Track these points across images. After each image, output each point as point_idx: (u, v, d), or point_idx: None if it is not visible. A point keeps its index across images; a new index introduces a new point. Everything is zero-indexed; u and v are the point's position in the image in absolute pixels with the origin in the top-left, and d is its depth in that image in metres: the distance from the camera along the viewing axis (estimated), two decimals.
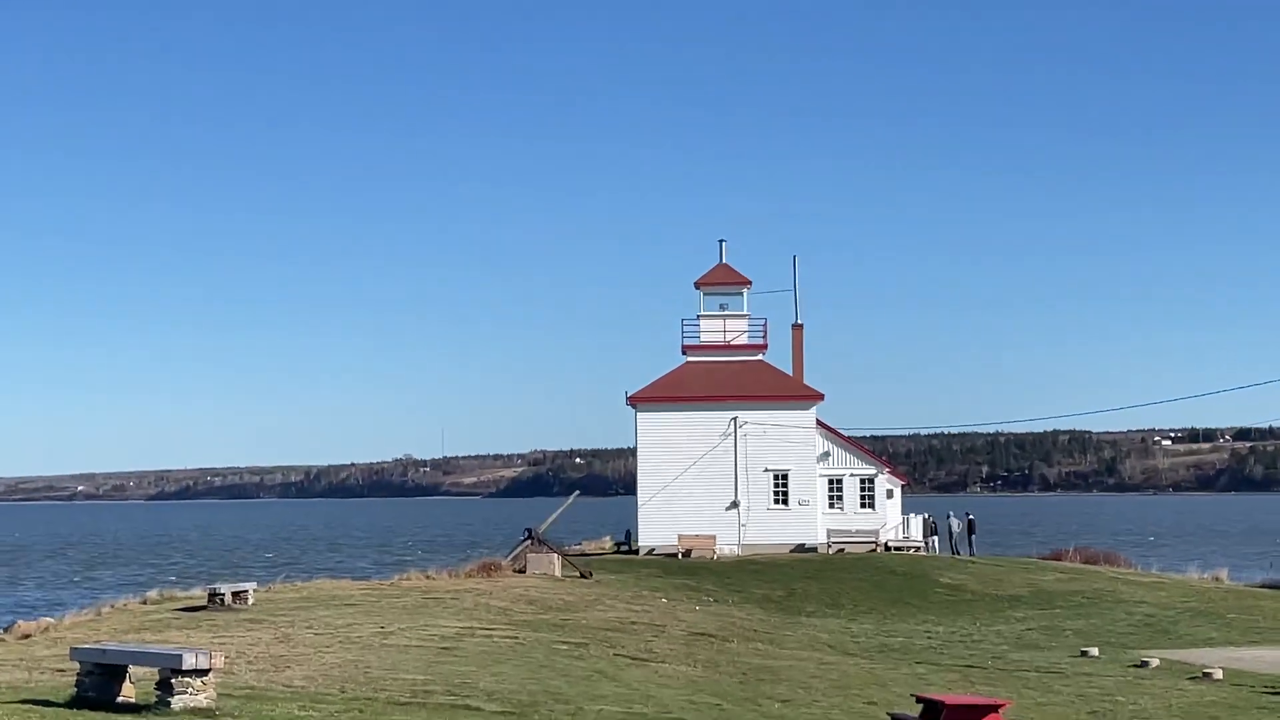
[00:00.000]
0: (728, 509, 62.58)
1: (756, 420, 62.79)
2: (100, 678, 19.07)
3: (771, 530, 62.27)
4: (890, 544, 63.54)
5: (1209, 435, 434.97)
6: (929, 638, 39.90)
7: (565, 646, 29.96)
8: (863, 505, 64.21)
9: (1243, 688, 30.25)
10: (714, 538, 60.99)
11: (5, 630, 32.87)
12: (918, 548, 64.29)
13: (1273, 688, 30.08)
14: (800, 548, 62.07)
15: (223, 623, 30.79)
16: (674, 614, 40.02)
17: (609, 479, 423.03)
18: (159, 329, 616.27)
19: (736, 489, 62.64)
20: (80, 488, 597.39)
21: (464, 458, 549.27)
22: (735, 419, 62.90)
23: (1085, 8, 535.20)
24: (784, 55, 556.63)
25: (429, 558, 78.90)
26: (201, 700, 18.17)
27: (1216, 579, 58.33)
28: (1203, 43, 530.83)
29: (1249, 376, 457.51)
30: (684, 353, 65.89)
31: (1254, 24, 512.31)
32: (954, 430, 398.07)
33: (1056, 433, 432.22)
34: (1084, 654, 35.82)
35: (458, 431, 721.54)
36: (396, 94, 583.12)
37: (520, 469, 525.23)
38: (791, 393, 64.04)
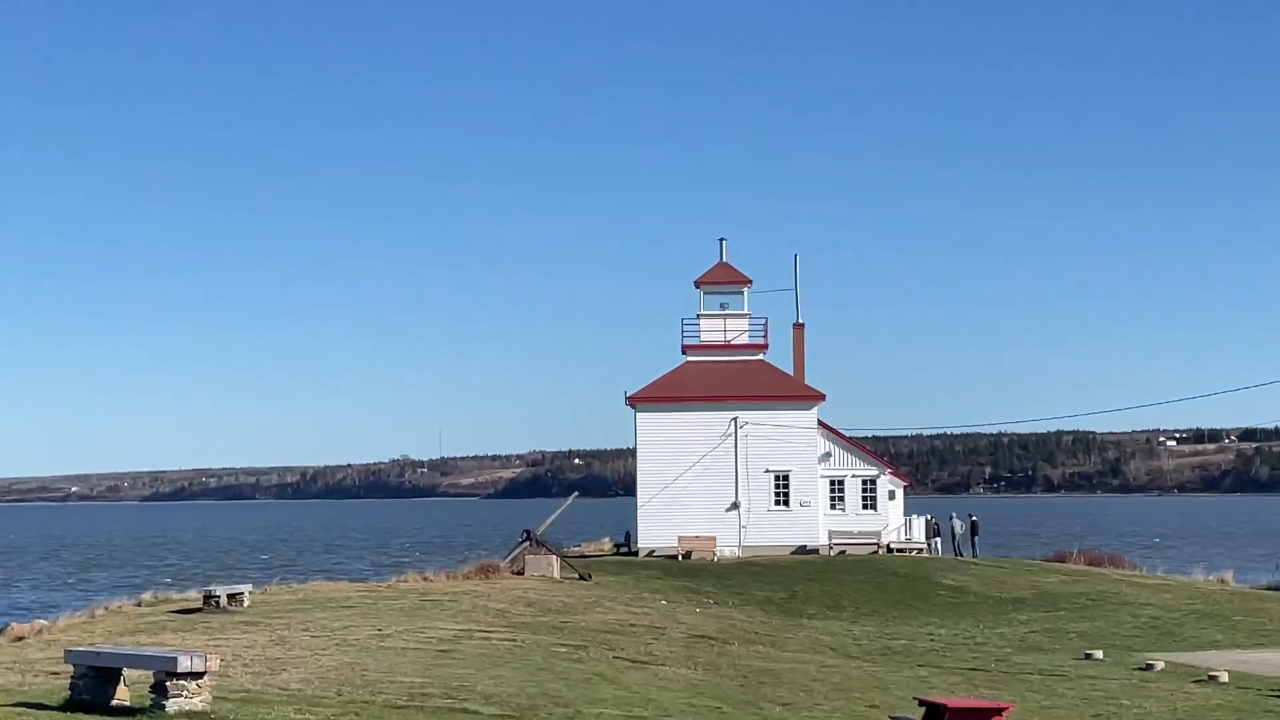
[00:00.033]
0: (728, 510, 62.57)
1: (757, 420, 62.78)
2: (94, 681, 19.06)
3: (772, 532, 62.26)
4: (892, 546, 63.54)
5: (1214, 436, 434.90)
6: (931, 640, 39.89)
7: (564, 649, 29.95)
8: (865, 506, 64.20)
9: (1248, 691, 30.25)
10: (714, 539, 60.98)
11: None
12: (920, 549, 64.29)
13: (1278, 691, 30.07)
14: (801, 549, 62.06)
15: (218, 625, 30.77)
16: (674, 616, 40.00)
17: (608, 480, 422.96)
18: (154, 329, 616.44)
19: (737, 490, 62.63)
20: (74, 489, 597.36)
21: (462, 458, 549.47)
22: (736, 419, 62.89)
23: (1086, 8, 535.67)
24: (784, 54, 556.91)
25: (426, 559, 78.89)
26: (197, 703, 18.15)
27: (1222, 581, 58.32)
28: (1203, 42, 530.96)
29: (1255, 376, 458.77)
30: (684, 352, 65.88)
31: (1254, 24, 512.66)
32: (957, 431, 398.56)
33: (1060, 433, 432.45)
34: (1088, 657, 35.81)
35: (455, 432, 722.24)
36: (396, 94, 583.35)
37: (518, 470, 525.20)
38: (792, 393, 64.03)
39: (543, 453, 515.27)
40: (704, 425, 62.96)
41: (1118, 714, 26.94)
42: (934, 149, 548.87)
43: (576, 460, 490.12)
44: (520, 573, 48.00)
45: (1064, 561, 65.08)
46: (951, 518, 68.36)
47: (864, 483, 64.41)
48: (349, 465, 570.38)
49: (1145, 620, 45.41)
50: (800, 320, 67.19)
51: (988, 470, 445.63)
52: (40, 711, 18.44)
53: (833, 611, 46.90)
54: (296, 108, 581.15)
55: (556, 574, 48.12)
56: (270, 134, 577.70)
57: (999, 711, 22.45)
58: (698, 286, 66.49)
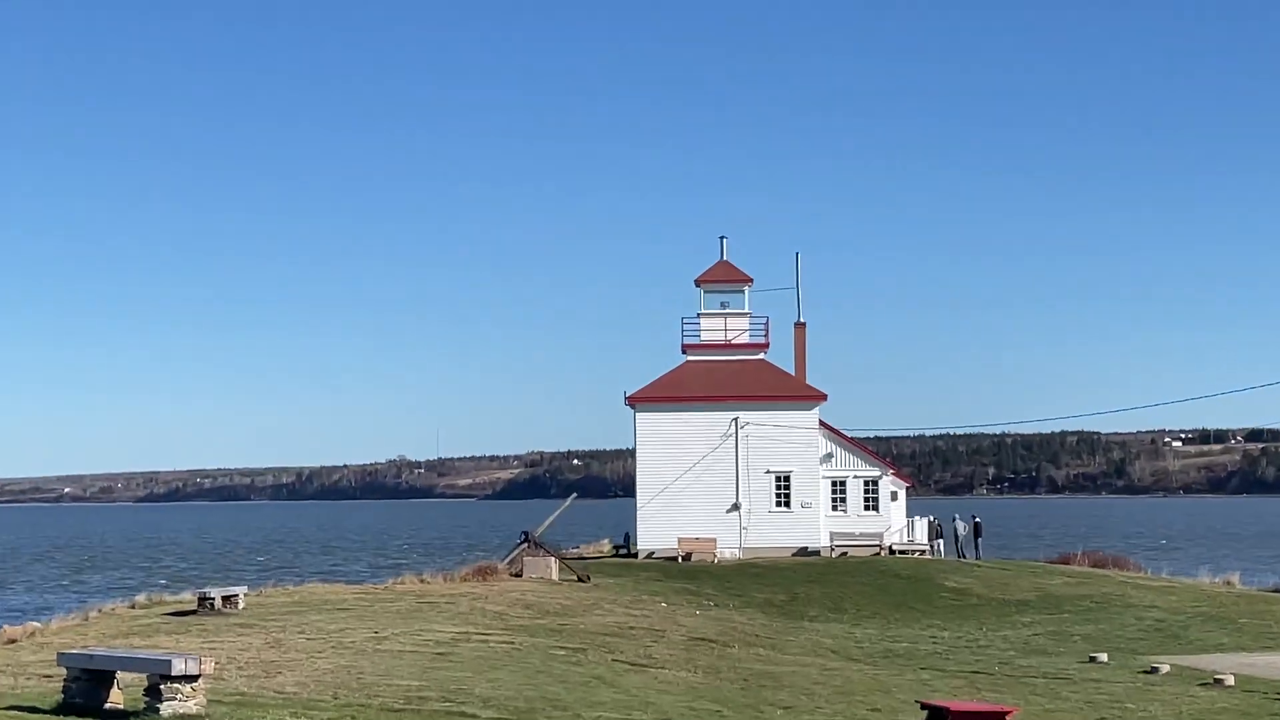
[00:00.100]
0: (728, 511, 62.57)
1: (758, 421, 62.77)
2: (88, 684, 19.07)
3: (773, 533, 62.26)
4: (895, 547, 63.55)
5: (1220, 436, 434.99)
6: (934, 643, 39.89)
7: (563, 652, 29.96)
8: (866, 508, 64.19)
9: (1255, 694, 30.26)
10: (714, 541, 60.99)
11: None
12: (923, 551, 64.30)
13: None
14: (803, 551, 62.06)
15: (213, 627, 30.77)
16: (674, 619, 40.01)
17: (607, 481, 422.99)
18: (148, 328, 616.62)
19: (738, 491, 62.63)
20: (67, 489, 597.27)
21: (459, 459, 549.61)
22: (736, 419, 62.89)
23: (1087, 7, 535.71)
24: (784, 52, 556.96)
25: (423, 561, 78.89)
26: (191, 707, 18.17)
27: (1228, 583, 58.31)
28: (1203, 42, 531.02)
29: (1261, 376, 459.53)
30: (684, 352, 65.88)
31: (1255, 23, 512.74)
32: (960, 431, 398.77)
33: (1064, 434, 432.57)
34: (1093, 660, 35.82)
35: (453, 432, 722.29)
36: (393, 93, 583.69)
37: (517, 470, 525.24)
38: (794, 393, 64.03)
39: (541, 453, 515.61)
40: (704, 425, 62.95)
41: (1122, 718, 26.95)
42: (936, 147, 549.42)
43: (575, 461, 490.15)
44: (518, 575, 47.99)
45: (1068, 563, 65.06)
46: (954, 519, 68.34)
47: (866, 484, 64.41)
48: (345, 466, 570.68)
49: (1150, 623, 45.42)
50: (801, 319, 67.29)
51: (991, 471, 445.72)
52: (33, 715, 18.45)
53: (834, 614, 46.90)
54: (293, 107, 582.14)
55: (555, 576, 48.12)
56: (267, 133, 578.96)
57: (1003, 715, 22.48)
58: (698, 285, 66.49)
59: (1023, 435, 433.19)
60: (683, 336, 66.02)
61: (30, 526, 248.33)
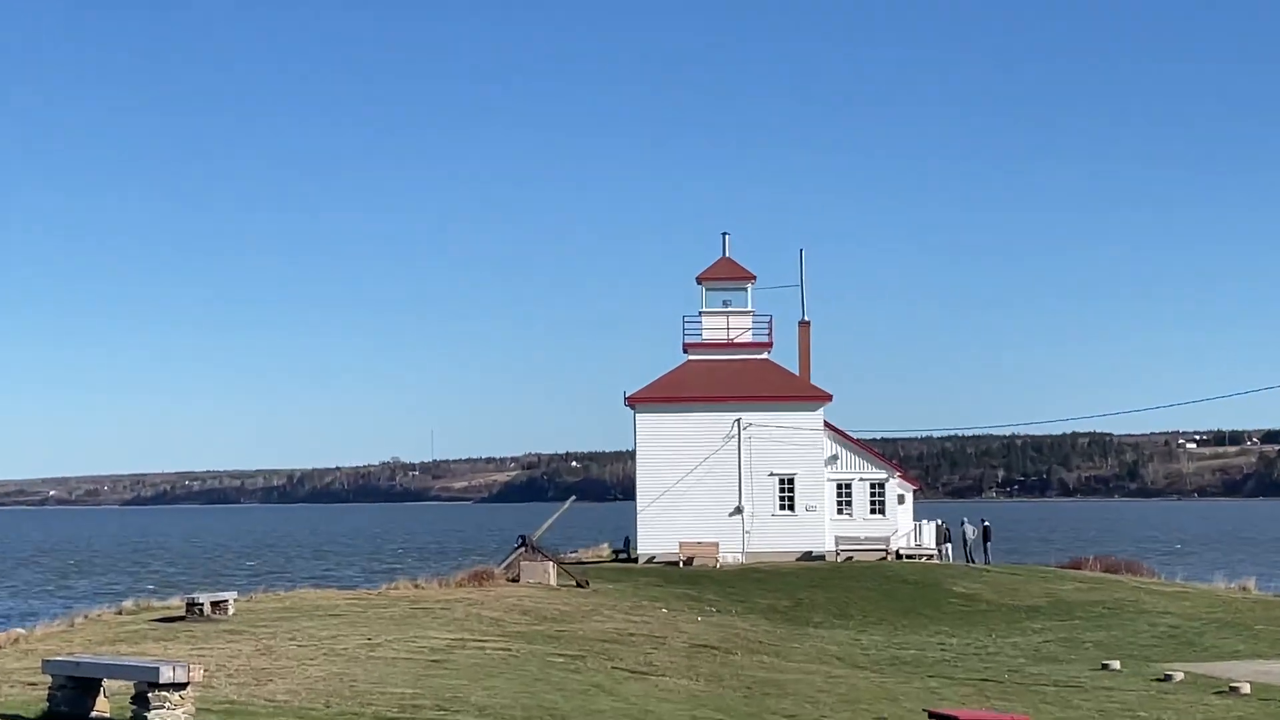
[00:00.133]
0: (731, 515, 62.57)
1: (761, 422, 62.78)
2: (73, 691, 19.07)
3: (777, 537, 62.26)
4: (901, 552, 63.56)
5: (1236, 438, 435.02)
6: (942, 650, 39.90)
7: (561, 659, 29.96)
8: (873, 511, 64.20)
9: (1271, 702, 30.26)
10: (716, 545, 61.01)
11: None
12: (930, 556, 64.31)
13: None
14: (807, 556, 62.07)
15: (202, 634, 30.77)
16: (675, 625, 40.02)
17: (607, 483, 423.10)
18: (136, 327, 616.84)
19: (740, 494, 62.64)
20: (52, 492, 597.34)
21: (454, 461, 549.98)
22: (739, 420, 62.89)
23: (1099, 3, 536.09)
24: (788, 40, 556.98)
25: (418, 566, 78.94)
26: (179, 715, 18.17)
27: (1244, 588, 58.34)
28: (1229, 31, 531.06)
29: (1278, 376, 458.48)
30: (685, 351, 65.88)
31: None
32: (968, 432, 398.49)
33: (1076, 435, 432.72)
34: (1105, 667, 35.82)
35: (448, 434, 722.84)
36: (389, 88, 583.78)
37: (513, 473, 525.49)
38: (798, 393, 64.03)
39: (539, 455, 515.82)
40: (706, 427, 62.94)
41: None
42: (943, 141, 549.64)
43: (574, 463, 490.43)
44: (515, 580, 48.01)
45: (1079, 568, 65.09)
46: (963, 523, 68.35)
47: (872, 486, 64.41)
48: (338, 468, 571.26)
49: (1164, 629, 45.43)
50: (806, 317, 67.25)
51: (1000, 473, 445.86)
52: None
53: (839, 620, 46.91)
54: (289, 104, 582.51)
55: (553, 581, 48.13)
56: (262, 131, 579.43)
57: None
58: (699, 282, 66.49)
59: (1033, 437, 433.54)
60: (684, 335, 66.08)
61: (14, 530, 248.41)
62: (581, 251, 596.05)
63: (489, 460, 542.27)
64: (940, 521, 68.25)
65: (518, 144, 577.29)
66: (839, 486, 64.10)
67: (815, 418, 63.44)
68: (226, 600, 35.09)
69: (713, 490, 62.53)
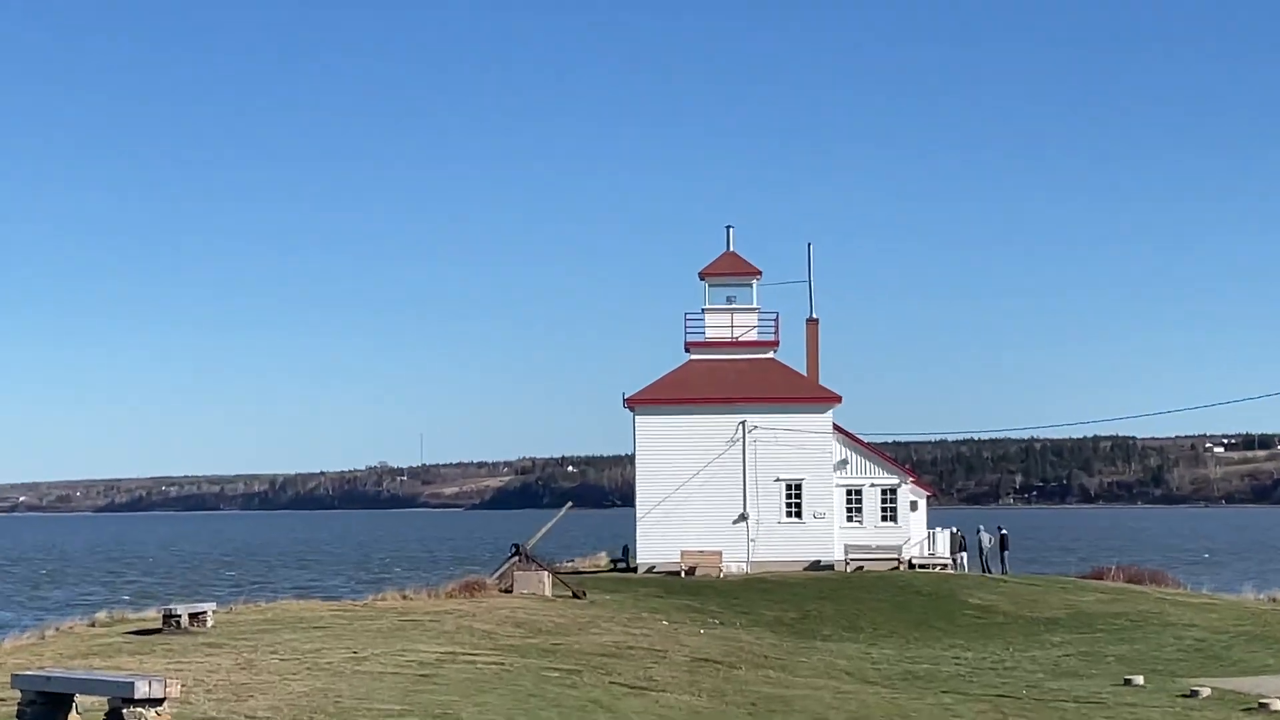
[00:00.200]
0: (735, 522, 62.60)
1: (767, 424, 62.80)
2: (44, 707, 19.08)
3: (783, 546, 62.28)
4: (914, 561, 63.57)
5: (1265, 442, 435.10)
6: (957, 664, 39.92)
7: (556, 674, 29.97)
8: (884, 518, 64.23)
9: None
10: (720, 554, 61.00)
11: None
12: (944, 565, 64.32)
13: None
14: (815, 565, 62.09)
15: (179, 647, 30.78)
16: (676, 638, 40.03)
17: (604, 489, 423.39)
18: (110, 327, 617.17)
19: (745, 500, 62.66)
20: (22, 498, 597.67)
21: (445, 466, 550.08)
22: (744, 423, 62.91)
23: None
24: (794, 29, 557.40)
25: (406, 576, 78.94)
26: None
27: (1274, 600, 58.35)
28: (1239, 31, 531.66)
29: None
30: (687, 350, 65.90)
31: None
32: (984, 436, 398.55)
33: (1098, 439, 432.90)
34: (1128, 682, 35.82)
35: (438, 437, 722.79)
36: (382, 78, 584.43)
37: (507, 478, 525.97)
38: (806, 394, 64.05)
39: (533, 460, 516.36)
40: (709, 429, 62.95)
41: None
42: (958, 133, 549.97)
43: (570, 468, 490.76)
44: (508, 590, 48.03)
45: (1101, 578, 65.10)
46: (979, 530, 68.34)
47: (883, 492, 64.43)
48: (322, 473, 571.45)
49: (1190, 642, 45.43)
50: (814, 315, 67.33)
51: (1018, 479, 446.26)
52: None
53: (849, 633, 46.92)
54: (273, 97, 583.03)
55: (548, 592, 48.15)
56: (251, 127, 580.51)
57: None
58: (702, 278, 66.51)
59: (1052, 440, 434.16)
60: (686, 334, 66.08)
61: None
62: (579, 246, 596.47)
63: (481, 465, 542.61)
64: (955, 529, 68.26)
65: (510, 137, 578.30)
66: (849, 492, 64.11)
67: (824, 420, 63.45)
68: (205, 612, 35.09)
69: (716, 496, 62.54)
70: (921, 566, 63.22)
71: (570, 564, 67.43)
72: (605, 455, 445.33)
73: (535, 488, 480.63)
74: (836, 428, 64.04)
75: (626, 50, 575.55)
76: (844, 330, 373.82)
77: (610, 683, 29.74)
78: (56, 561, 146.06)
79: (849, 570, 61.62)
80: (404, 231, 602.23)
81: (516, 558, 50.45)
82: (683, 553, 60.84)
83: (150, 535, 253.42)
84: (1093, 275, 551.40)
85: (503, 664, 30.54)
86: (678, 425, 63.22)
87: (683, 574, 59.67)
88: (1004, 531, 69.44)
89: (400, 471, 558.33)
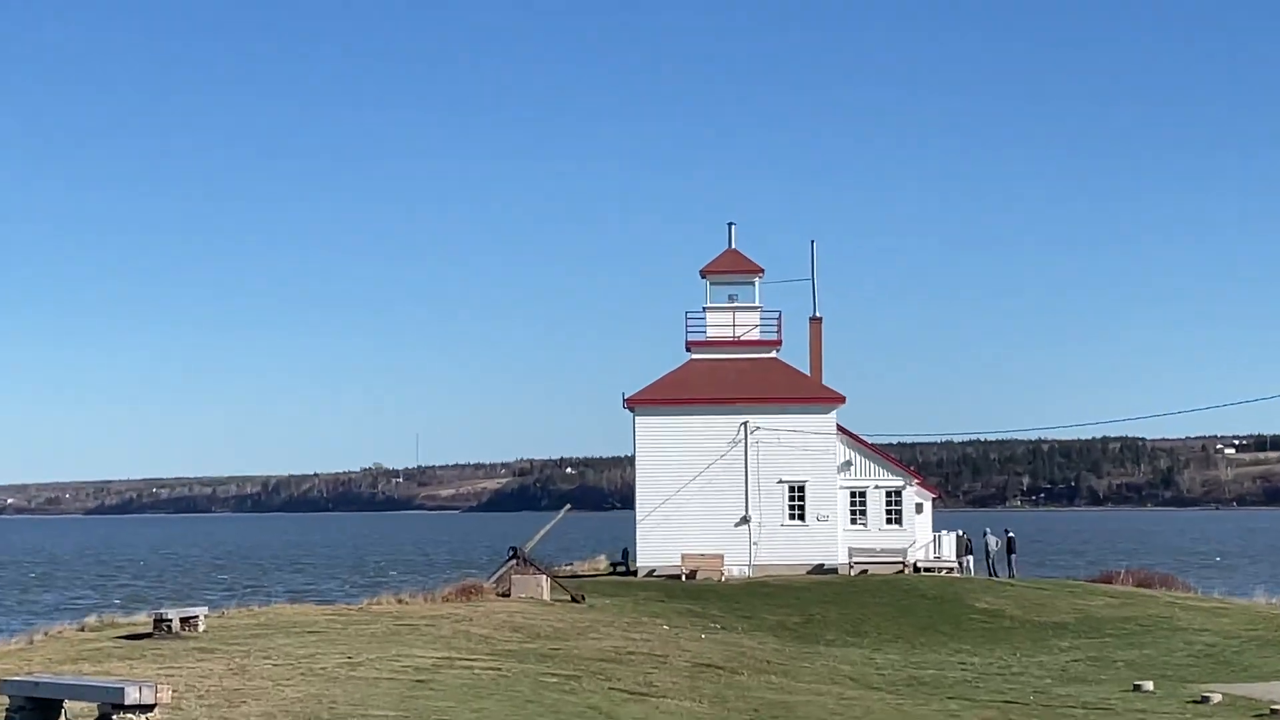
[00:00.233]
0: (737, 525, 62.59)
1: (769, 425, 62.78)
2: (32, 713, 19.07)
3: (786, 549, 62.28)
4: (920, 565, 63.55)
5: (1278, 443, 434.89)
6: (963, 670, 39.93)
7: (554, 679, 29.97)
8: (889, 521, 64.22)
9: None
10: (721, 557, 61.00)
11: None
12: (950, 569, 64.32)
13: None
14: (818, 569, 62.08)
15: (170, 652, 30.78)
16: (677, 643, 40.04)
17: (604, 491, 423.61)
18: (99, 327, 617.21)
19: (747, 503, 62.65)
20: (10, 500, 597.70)
21: (441, 467, 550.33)
22: (746, 424, 62.90)
23: None
24: (799, 21, 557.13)
25: (402, 580, 78.89)
26: None
27: None
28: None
29: None
30: (688, 349, 65.89)
31: None
32: (991, 437, 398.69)
33: (1106, 440, 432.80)
34: (1137, 688, 35.82)
35: (434, 438, 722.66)
36: (375, 73, 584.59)
37: (504, 480, 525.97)
38: (809, 394, 64.04)
39: (531, 461, 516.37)
40: (710, 430, 62.94)
41: None
42: (964, 129, 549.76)
43: (568, 469, 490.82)
44: (506, 594, 48.03)
45: (1110, 582, 65.11)
46: (985, 533, 68.34)
47: (888, 495, 64.42)
48: (316, 475, 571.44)
49: (1201, 648, 45.44)
50: (818, 314, 67.27)
51: (1025, 481, 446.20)
52: None
53: (853, 638, 46.93)
54: (269, 96, 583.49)
55: (546, 596, 48.16)
56: (242, 125, 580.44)
57: None
58: (704, 276, 66.49)
59: (1061, 442, 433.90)
60: (687, 333, 66.05)
61: None
62: (577, 243, 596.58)
63: (478, 466, 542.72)
64: (961, 532, 68.27)
65: (506, 134, 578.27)
66: (853, 495, 64.10)
67: (827, 421, 63.44)
68: (197, 616, 35.11)
69: (717, 499, 62.53)
70: (927, 570, 63.21)
71: (569, 567, 67.45)
72: (605, 457, 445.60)
73: (533, 490, 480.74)
74: (840, 428, 64.03)
75: (625, 44, 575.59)
76: (848, 329, 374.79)
77: (609, 689, 29.74)
78: (46, 565, 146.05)
79: (853, 574, 61.60)
80: (398, 228, 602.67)
81: (514, 561, 50.46)
82: (683, 556, 60.84)
83: (141, 538, 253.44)
84: (1102, 273, 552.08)
85: (500, 669, 30.53)
86: (678, 426, 63.21)
87: (684, 577, 59.66)
88: (1011, 534, 69.46)
89: (395, 473, 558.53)
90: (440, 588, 48.57)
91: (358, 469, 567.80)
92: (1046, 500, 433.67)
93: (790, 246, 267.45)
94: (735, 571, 61.02)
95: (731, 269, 66.47)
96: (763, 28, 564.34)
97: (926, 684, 36.34)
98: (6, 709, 19.37)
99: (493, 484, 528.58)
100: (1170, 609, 54.30)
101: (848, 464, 64.10)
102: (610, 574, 64.53)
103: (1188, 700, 33.90)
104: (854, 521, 63.95)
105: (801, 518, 62.84)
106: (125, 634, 34.77)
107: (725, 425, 63.00)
